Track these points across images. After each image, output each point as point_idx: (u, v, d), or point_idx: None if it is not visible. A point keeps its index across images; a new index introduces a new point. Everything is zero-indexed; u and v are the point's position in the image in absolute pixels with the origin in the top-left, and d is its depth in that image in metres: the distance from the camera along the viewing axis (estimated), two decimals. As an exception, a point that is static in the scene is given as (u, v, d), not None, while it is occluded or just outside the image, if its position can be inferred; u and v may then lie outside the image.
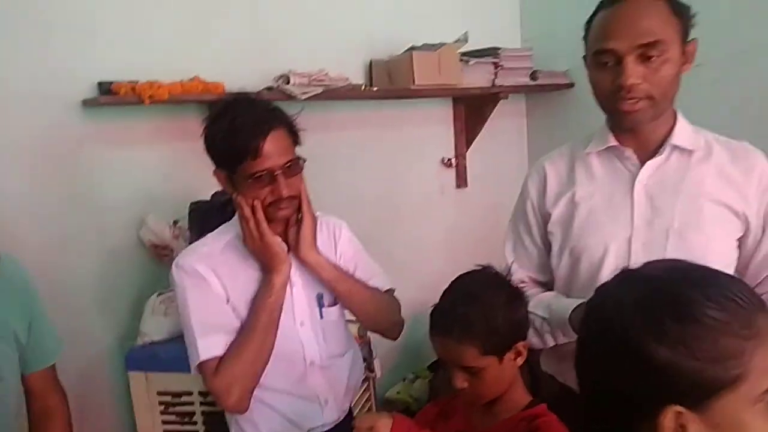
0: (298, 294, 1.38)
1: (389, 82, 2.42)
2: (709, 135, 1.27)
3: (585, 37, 1.24)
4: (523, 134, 3.19)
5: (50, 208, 1.83)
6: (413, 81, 2.33)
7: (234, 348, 1.27)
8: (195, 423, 1.84)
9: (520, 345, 1.15)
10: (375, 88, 2.40)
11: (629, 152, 1.26)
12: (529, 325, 1.20)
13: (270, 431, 1.37)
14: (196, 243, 1.39)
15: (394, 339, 1.54)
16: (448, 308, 1.15)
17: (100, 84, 1.81)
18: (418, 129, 2.76)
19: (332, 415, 1.44)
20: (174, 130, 1.99)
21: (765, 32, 2.24)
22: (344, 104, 2.44)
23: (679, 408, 0.66)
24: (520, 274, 1.41)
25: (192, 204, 1.85)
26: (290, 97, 2.04)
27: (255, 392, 1.33)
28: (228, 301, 1.32)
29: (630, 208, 1.25)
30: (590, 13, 1.23)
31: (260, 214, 1.28)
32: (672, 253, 1.18)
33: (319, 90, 2.13)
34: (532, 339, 1.36)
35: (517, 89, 2.81)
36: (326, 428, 1.43)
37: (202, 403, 1.82)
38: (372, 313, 1.47)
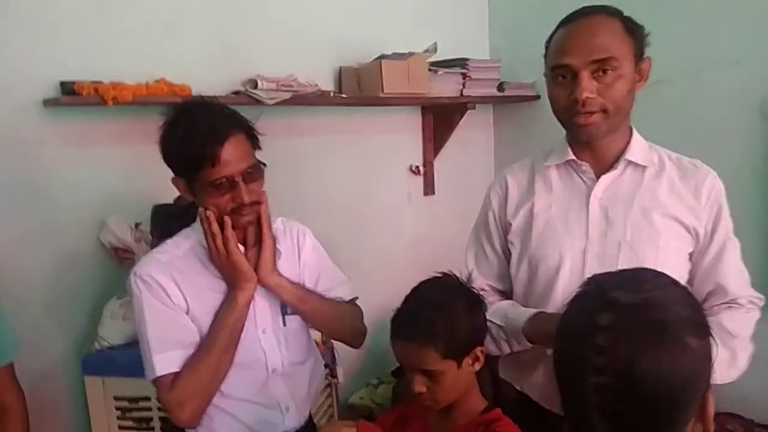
0: (261, 302, 1.36)
1: (358, 89, 2.43)
2: (663, 152, 1.32)
3: (545, 56, 1.28)
4: (490, 144, 3.24)
5: (6, 207, 1.79)
6: (382, 89, 2.35)
7: (191, 364, 1.25)
8: (152, 429, 1.82)
9: (478, 350, 1.18)
10: (344, 95, 2.41)
11: (586, 166, 1.30)
12: (486, 331, 1.23)
13: None
14: (155, 250, 1.36)
15: (357, 347, 1.55)
16: (410, 313, 1.18)
17: (62, 84, 1.77)
18: (386, 136, 2.78)
19: (293, 422, 1.43)
20: (138, 132, 1.96)
21: (720, 51, 2.33)
22: (313, 110, 2.44)
23: None
24: (480, 282, 1.43)
25: (155, 207, 1.82)
26: (258, 102, 2.04)
27: (215, 401, 1.32)
28: (188, 311, 1.29)
29: (585, 221, 1.29)
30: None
31: (229, 231, 1.26)
32: (624, 264, 1.21)
33: (288, 95, 2.13)
34: (489, 346, 1.38)
35: (484, 100, 2.86)
36: (288, 435, 1.43)
37: (159, 409, 1.79)
38: (334, 328, 1.49)
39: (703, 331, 0.73)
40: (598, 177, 1.29)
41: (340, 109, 2.54)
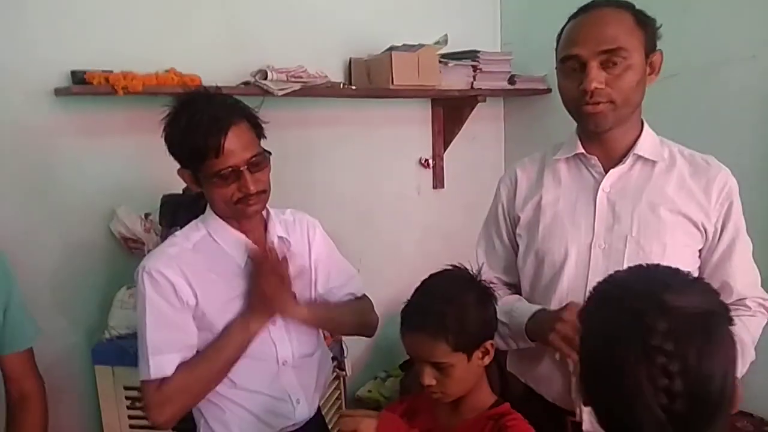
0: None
1: (368, 81, 2.42)
2: (675, 147, 1.31)
3: (556, 49, 1.28)
4: (500, 137, 3.22)
5: (16, 197, 1.80)
6: (392, 81, 2.34)
7: (185, 372, 1.26)
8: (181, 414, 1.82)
9: (488, 344, 1.18)
10: (353, 87, 2.40)
11: (594, 160, 1.30)
12: (497, 325, 1.22)
13: (241, 431, 1.36)
14: (165, 243, 1.35)
15: (370, 336, 1.57)
16: (421, 305, 1.18)
17: (73, 73, 1.78)
18: (396, 129, 2.77)
19: (304, 413, 1.43)
20: (147, 121, 1.93)
21: (736, 46, 2.30)
22: (322, 102, 2.43)
23: None
24: (489, 275, 1.44)
25: (164, 197, 1.83)
26: (267, 93, 2.03)
27: (227, 392, 1.33)
28: (197, 304, 1.28)
29: (592, 214, 1.29)
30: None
31: (284, 268, 1.28)
32: (629, 259, 1.23)
33: (297, 86, 2.12)
34: (497, 341, 1.38)
35: (495, 93, 2.84)
36: (297, 427, 1.43)
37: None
38: (353, 329, 1.55)
39: (731, 317, 0.75)
40: (606, 171, 1.29)
41: (350, 101, 2.53)
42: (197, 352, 1.32)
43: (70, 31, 1.82)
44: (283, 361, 1.38)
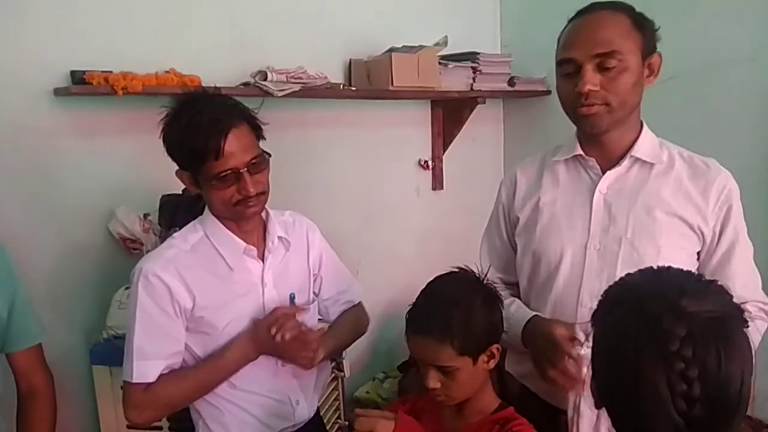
0: (270, 294, 1.36)
1: (368, 82, 2.42)
2: (676, 149, 1.31)
3: (557, 51, 1.28)
4: (500, 139, 3.22)
5: (15, 196, 1.79)
6: (392, 82, 2.34)
7: (174, 384, 1.27)
8: (158, 423, 1.82)
9: (494, 348, 1.17)
10: (353, 88, 2.40)
11: (592, 161, 1.30)
12: (503, 328, 1.22)
13: None
14: (162, 246, 1.35)
15: (363, 334, 1.61)
16: (428, 308, 1.17)
17: (72, 73, 1.77)
18: (395, 130, 2.77)
19: (303, 414, 1.44)
20: (147, 122, 1.93)
21: (736, 48, 2.30)
22: (322, 103, 2.43)
23: None
24: (491, 275, 1.44)
25: (163, 197, 1.83)
26: (267, 94, 2.03)
27: (226, 394, 1.33)
28: (194, 306, 1.28)
29: (588, 215, 1.29)
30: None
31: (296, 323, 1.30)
32: (623, 260, 1.24)
33: (297, 87, 2.12)
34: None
35: (494, 94, 2.84)
36: (296, 428, 1.43)
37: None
38: (352, 340, 1.58)
39: (745, 319, 0.75)
40: (604, 172, 1.29)
41: (350, 102, 2.53)
42: (193, 353, 1.32)
43: (69, 31, 1.82)
44: (282, 363, 1.37)
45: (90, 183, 1.91)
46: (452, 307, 1.13)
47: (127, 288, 1.86)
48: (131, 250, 1.92)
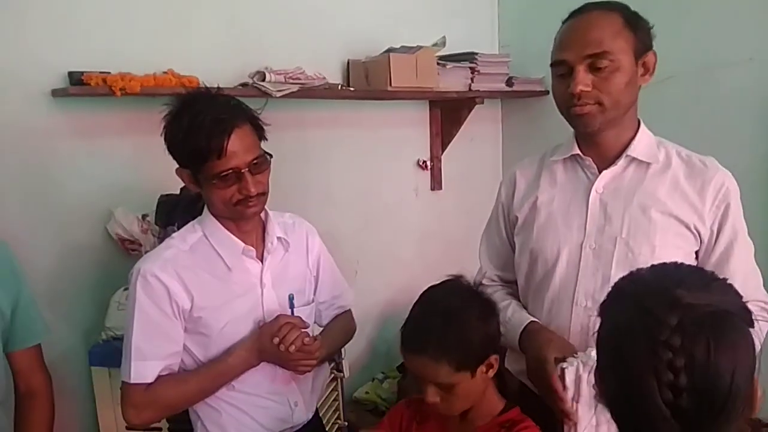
0: (269, 294, 1.36)
1: (366, 82, 2.42)
2: (674, 148, 1.31)
3: None
4: (498, 139, 3.22)
5: (13, 197, 1.79)
6: (390, 83, 2.34)
7: (174, 386, 1.28)
8: (158, 423, 1.81)
9: (492, 358, 1.15)
10: (352, 88, 2.40)
11: (589, 161, 1.31)
12: (500, 338, 1.21)
13: None
14: (160, 246, 1.35)
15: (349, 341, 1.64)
16: (421, 324, 1.15)
17: (70, 74, 1.77)
18: (394, 130, 2.77)
19: (302, 416, 1.44)
20: (145, 123, 1.95)
21: (733, 48, 2.30)
22: (320, 103, 2.43)
23: None
24: (490, 273, 1.49)
25: (161, 197, 1.83)
26: (265, 94, 2.03)
27: (224, 395, 1.33)
28: (192, 306, 1.28)
29: (585, 215, 1.30)
30: (565, 22, 1.28)
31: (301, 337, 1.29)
32: (618, 260, 1.24)
33: (295, 88, 2.12)
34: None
35: (493, 94, 2.84)
36: (295, 430, 1.43)
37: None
38: (341, 346, 1.65)
39: (751, 320, 0.75)
40: (601, 172, 1.30)
41: (348, 103, 2.53)
42: (193, 355, 1.32)
43: (67, 32, 1.82)
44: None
45: (88, 184, 1.91)
46: (447, 323, 1.11)
47: (125, 289, 1.86)
48: (130, 251, 1.92)
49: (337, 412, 2.32)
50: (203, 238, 1.33)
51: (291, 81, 2.12)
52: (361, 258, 2.60)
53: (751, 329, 0.74)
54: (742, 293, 1.24)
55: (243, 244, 1.32)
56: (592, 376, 1.02)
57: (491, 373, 1.16)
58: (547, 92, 2.85)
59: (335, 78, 2.43)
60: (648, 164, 1.27)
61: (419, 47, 2.45)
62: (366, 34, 2.53)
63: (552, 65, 1.26)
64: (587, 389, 1.10)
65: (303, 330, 1.30)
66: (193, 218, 1.38)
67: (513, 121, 3.17)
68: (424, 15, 2.75)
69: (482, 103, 2.78)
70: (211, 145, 1.18)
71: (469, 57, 2.66)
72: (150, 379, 1.25)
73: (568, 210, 1.32)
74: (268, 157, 1.28)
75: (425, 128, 2.91)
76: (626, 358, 0.75)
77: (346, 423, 2.36)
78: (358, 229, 2.64)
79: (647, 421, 0.73)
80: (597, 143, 1.29)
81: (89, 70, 1.78)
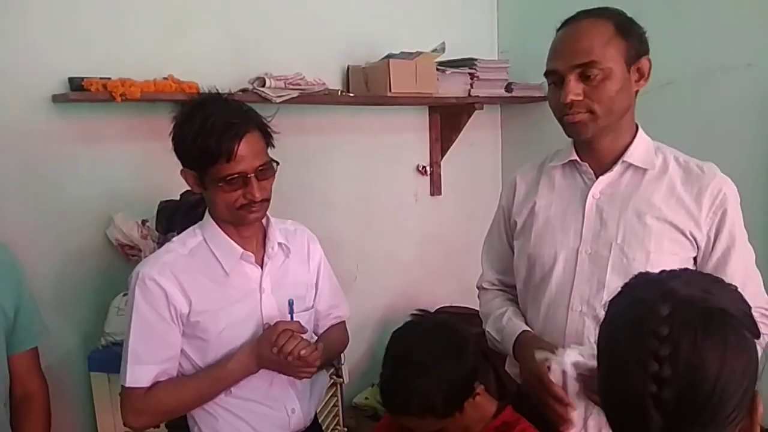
0: (268, 300, 1.36)
1: (366, 88, 2.43)
2: (671, 154, 1.30)
3: None
4: (498, 145, 3.23)
5: (14, 203, 1.79)
6: (389, 88, 2.34)
7: (173, 391, 1.28)
8: (157, 426, 1.81)
9: (477, 388, 1.18)
10: (351, 94, 2.41)
11: (586, 166, 1.31)
12: (480, 365, 1.22)
13: None
14: (160, 250, 1.36)
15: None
16: (398, 382, 1.17)
17: (71, 80, 1.78)
18: (393, 136, 2.77)
19: (299, 423, 1.43)
20: (145, 128, 1.97)
21: (731, 53, 2.31)
22: (320, 109, 2.44)
23: None
24: (491, 277, 1.51)
25: (161, 203, 1.83)
26: (265, 100, 2.03)
27: (221, 401, 1.33)
28: (190, 311, 1.28)
29: (581, 220, 1.30)
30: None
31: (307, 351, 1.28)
32: (613, 266, 1.24)
33: (295, 94, 2.12)
34: (497, 346, 1.40)
35: (492, 100, 2.85)
36: (292, 436, 1.43)
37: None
38: (335, 357, 1.63)
39: (756, 331, 0.73)
40: (598, 177, 1.30)
41: (348, 108, 2.54)
42: (191, 360, 1.32)
43: (68, 37, 1.83)
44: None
45: (88, 189, 1.91)
46: (423, 377, 1.12)
47: (125, 294, 1.86)
48: (129, 256, 1.92)
49: (337, 418, 2.31)
50: (203, 242, 1.33)
51: (291, 87, 2.13)
52: (361, 263, 2.60)
53: (756, 339, 0.73)
54: None
55: (242, 249, 1.32)
56: (575, 370, 1.03)
57: (479, 399, 1.18)
58: (546, 98, 2.86)
59: (335, 84, 2.44)
60: (644, 170, 1.27)
61: (419, 53, 2.46)
62: (365, 39, 2.54)
63: (545, 75, 1.27)
64: (572, 383, 1.10)
65: (302, 337, 1.30)
66: (193, 224, 1.38)
67: (512, 126, 3.17)
68: (423, 21, 2.76)
69: (482, 108, 2.78)
70: (222, 148, 1.19)
71: (468, 63, 2.67)
72: (146, 383, 1.25)
73: (565, 215, 1.33)
74: (274, 164, 1.30)
75: (425, 134, 2.91)
76: (615, 346, 0.75)
77: (346, 429, 2.35)
78: (357, 234, 2.64)
79: (631, 412, 0.72)
80: (594, 149, 1.29)
81: (90, 75, 1.78)
